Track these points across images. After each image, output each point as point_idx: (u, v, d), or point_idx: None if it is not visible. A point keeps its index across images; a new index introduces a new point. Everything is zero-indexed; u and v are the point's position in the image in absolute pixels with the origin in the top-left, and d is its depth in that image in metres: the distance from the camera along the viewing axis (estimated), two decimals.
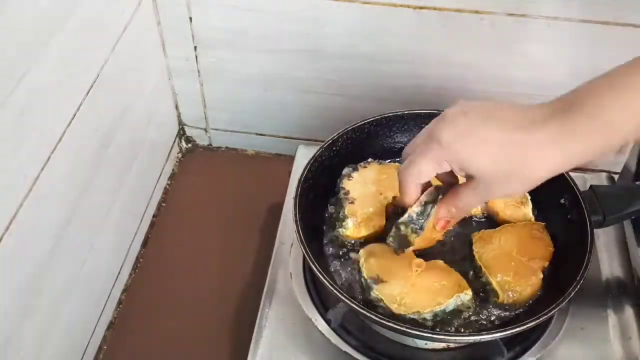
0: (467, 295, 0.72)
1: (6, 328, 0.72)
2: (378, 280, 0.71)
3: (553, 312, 0.69)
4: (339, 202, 0.82)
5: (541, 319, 0.68)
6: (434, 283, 0.72)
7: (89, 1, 0.80)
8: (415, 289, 0.71)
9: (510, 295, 0.73)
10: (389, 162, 0.88)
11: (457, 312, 0.72)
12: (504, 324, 0.73)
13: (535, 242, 0.78)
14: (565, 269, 0.74)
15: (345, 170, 0.84)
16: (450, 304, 0.71)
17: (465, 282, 0.74)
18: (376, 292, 0.70)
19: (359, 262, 0.74)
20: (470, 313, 0.73)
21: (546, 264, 0.76)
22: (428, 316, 0.70)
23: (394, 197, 0.80)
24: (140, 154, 1.03)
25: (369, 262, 0.73)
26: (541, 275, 0.75)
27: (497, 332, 0.68)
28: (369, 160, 0.86)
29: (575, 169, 1.00)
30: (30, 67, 0.69)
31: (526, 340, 0.77)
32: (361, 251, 0.75)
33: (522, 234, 0.79)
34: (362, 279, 0.72)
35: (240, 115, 1.17)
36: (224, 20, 1.01)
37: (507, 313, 0.74)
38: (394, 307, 0.69)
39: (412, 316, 0.70)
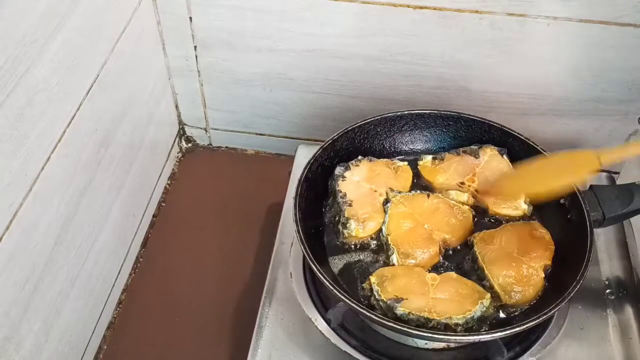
0: (487, 300, 0.72)
1: (6, 327, 0.72)
2: (398, 300, 0.71)
3: (553, 312, 0.69)
4: (337, 205, 0.82)
5: (540, 319, 0.68)
6: (453, 293, 0.72)
7: (89, 1, 0.80)
8: (437, 302, 0.71)
9: (513, 296, 0.73)
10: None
11: (483, 318, 0.72)
12: (504, 323, 0.73)
13: (535, 242, 0.78)
14: (565, 268, 0.74)
15: (338, 171, 0.84)
16: (477, 310, 0.71)
17: (482, 289, 0.74)
18: (401, 308, 0.70)
19: (371, 288, 0.73)
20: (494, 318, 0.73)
21: (548, 263, 0.76)
22: (460, 321, 0.70)
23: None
24: (140, 154, 1.03)
25: (383, 287, 0.72)
26: (542, 275, 0.75)
27: (496, 332, 0.68)
28: (359, 158, 0.86)
29: None
30: (30, 67, 0.69)
31: (526, 340, 0.77)
32: (372, 277, 0.74)
33: (522, 233, 0.78)
34: (381, 302, 0.71)
35: (240, 115, 1.17)
36: (224, 20, 1.01)
37: (508, 313, 0.74)
38: (425, 314, 0.69)
39: (444, 321, 0.69)
